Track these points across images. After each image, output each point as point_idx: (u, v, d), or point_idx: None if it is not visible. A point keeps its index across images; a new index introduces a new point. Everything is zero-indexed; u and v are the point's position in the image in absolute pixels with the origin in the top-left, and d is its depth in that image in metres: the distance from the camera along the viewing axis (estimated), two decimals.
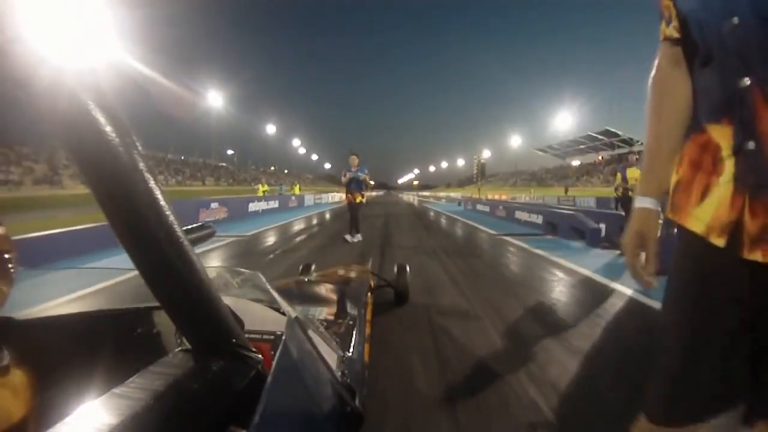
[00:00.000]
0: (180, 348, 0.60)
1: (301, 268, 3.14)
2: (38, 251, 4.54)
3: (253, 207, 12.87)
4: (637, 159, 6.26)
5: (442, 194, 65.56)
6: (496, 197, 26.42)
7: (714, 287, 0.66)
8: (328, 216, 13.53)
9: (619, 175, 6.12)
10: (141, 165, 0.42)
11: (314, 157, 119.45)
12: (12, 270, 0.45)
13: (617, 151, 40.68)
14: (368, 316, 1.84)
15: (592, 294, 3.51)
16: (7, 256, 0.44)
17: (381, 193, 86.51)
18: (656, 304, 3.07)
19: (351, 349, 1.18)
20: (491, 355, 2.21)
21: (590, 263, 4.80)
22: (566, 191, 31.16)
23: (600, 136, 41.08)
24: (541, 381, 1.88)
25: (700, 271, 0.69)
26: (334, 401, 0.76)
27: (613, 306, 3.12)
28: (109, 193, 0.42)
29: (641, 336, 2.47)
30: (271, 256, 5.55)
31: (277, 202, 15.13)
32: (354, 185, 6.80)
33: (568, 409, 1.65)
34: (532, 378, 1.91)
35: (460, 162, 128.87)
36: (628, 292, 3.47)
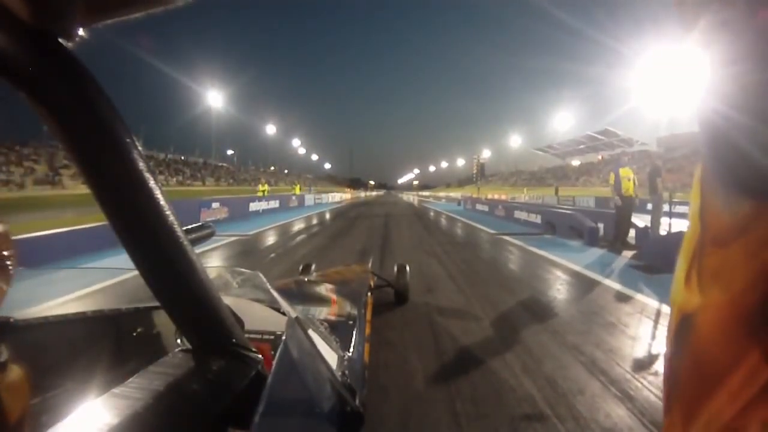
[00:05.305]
0: (180, 348, 0.60)
1: (301, 268, 3.14)
2: (39, 251, 4.54)
3: (253, 207, 12.89)
4: (628, 159, 6.28)
5: (441, 194, 65.59)
6: (496, 197, 26.42)
7: None
8: (328, 216, 13.53)
9: (612, 175, 6.13)
10: (141, 165, 0.42)
11: (314, 157, 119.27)
12: (11, 268, 0.45)
13: (617, 151, 40.68)
14: (368, 316, 1.84)
15: (584, 289, 3.53)
16: (6, 253, 0.44)
17: (381, 193, 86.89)
18: (643, 298, 3.11)
19: (351, 349, 1.18)
20: (485, 346, 2.23)
21: (584, 261, 4.82)
22: (557, 191, 29.05)
23: (600, 136, 41.04)
24: (535, 376, 1.89)
25: None
26: (334, 401, 0.76)
27: (600, 297, 3.13)
28: (109, 192, 0.42)
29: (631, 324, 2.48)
30: (273, 255, 5.56)
31: (277, 201, 15.15)
32: None
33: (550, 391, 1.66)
34: (526, 371, 1.92)
35: (460, 162, 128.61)
36: (616, 287, 3.51)
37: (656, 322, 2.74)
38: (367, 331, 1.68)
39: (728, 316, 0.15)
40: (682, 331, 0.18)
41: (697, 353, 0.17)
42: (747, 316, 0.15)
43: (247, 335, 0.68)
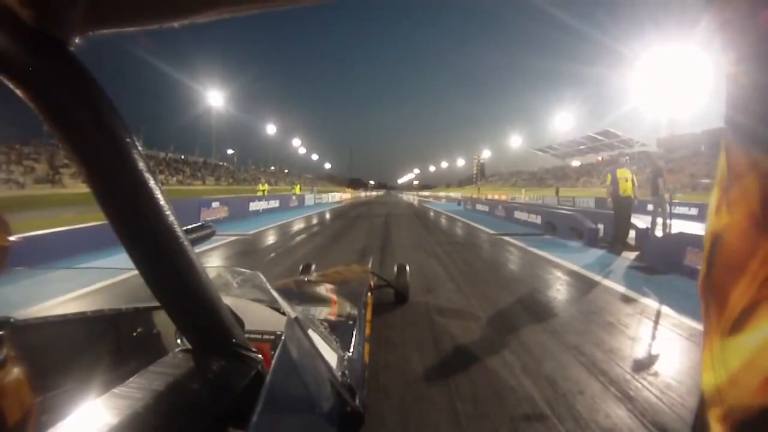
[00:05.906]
0: (180, 348, 0.60)
1: (301, 268, 3.14)
2: (38, 250, 4.53)
3: (253, 206, 12.89)
4: (627, 160, 6.26)
5: (442, 194, 65.63)
6: (496, 197, 26.43)
7: None
8: (328, 216, 13.53)
9: (609, 176, 6.09)
10: (141, 164, 0.42)
11: (314, 157, 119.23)
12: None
13: (616, 152, 40.73)
14: (368, 316, 1.84)
15: (584, 290, 3.53)
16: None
17: (381, 193, 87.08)
18: (644, 299, 3.10)
19: (351, 349, 1.18)
20: (484, 346, 2.23)
21: (584, 261, 4.83)
22: (557, 192, 28.94)
23: (600, 137, 41.04)
24: (535, 376, 1.89)
25: None
26: (334, 401, 0.76)
27: (599, 297, 3.13)
28: (109, 192, 0.42)
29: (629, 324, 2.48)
30: (273, 254, 5.56)
31: (277, 201, 15.15)
32: None
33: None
34: (526, 371, 1.92)
35: (460, 162, 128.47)
36: (616, 287, 3.51)
37: (656, 322, 2.74)
38: (367, 331, 1.68)
39: (747, 223, 0.21)
40: (714, 248, 0.22)
41: (725, 256, 0.22)
42: (760, 221, 0.20)
43: (247, 335, 0.68)
